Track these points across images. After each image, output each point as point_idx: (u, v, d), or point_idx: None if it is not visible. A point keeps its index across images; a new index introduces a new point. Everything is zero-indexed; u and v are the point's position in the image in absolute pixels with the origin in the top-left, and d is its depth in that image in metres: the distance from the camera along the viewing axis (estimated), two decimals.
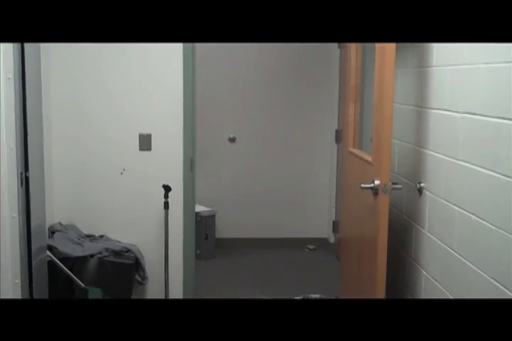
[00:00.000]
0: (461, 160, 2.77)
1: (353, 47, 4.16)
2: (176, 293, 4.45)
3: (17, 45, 3.27)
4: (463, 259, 2.75)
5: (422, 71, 3.33)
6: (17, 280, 3.40)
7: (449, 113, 2.92)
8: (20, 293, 3.42)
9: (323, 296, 4.80)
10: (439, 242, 3.06)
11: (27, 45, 3.34)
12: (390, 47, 3.04)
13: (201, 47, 4.93)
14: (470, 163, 2.68)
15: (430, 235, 3.18)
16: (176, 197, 4.39)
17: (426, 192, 3.25)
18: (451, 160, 2.89)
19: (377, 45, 3.21)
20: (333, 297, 4.72)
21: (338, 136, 6.03)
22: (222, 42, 1.97)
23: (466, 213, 2.71)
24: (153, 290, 4.46)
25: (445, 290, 2.96)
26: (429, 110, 3.20)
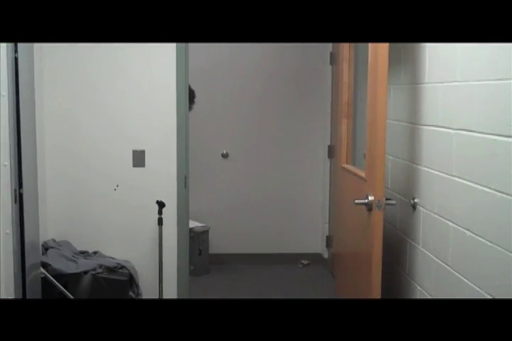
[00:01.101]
0: (455, 176, 2.79)
1: (345, 64, 4.19)
2: None
3: (11, 60, 3.28)
4: (458, 275, 2.76)
5: (414, 87, 3.36)
6: (11, 297, 3.38)
7: (442, 129, 2.94)
8: None
9: None
10: (433, 258, 3.06)
11: (21, 60, 3.35)
12: (383, 59, 3.06)
13: (194, 63, 4.95)
14: (464, 179, 2.69)
15: (425, 251, 3.19)
16: (170, 213, 4.38)
17: (420, 208, 3.27)
18: (445, 176, 2.91)
19: (370, 58, 3.23)
20: None
21: (331, 152, 6.05)
22: (214, 42, 1.95)
23: (461, 229, 2.72)
24: None
25: None
26: (422, 126, 3.22)
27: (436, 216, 3.02)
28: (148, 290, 4.40)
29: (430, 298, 3.10)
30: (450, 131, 2.84)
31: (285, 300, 1.97)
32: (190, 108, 5.12)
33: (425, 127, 3.19)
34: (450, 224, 2.84)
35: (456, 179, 2.77)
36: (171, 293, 4.43)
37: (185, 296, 4.52)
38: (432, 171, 3.08)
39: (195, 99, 5.44)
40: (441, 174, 2.96)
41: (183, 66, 4.35)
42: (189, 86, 5.08)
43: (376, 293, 3.24)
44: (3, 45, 3.21)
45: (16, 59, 3.32)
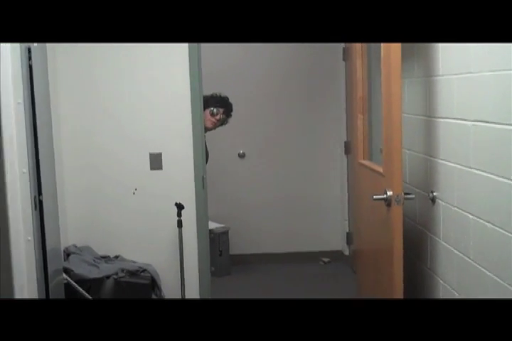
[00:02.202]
0: (473, 168, 2.77)
1: (358, 59, 4.18)
2: None
3: (26, 68, 3.30)
4: (479, 267, 2.74)
5: (428, 80, 3.34)
6: None
7: (458, 121, 2.92)
8: None
9: None
10: (455, 251, 3.04)
11: (35, 68, 3.37)
12: (396, 56, 3.05)
13: (208, 64, 4.95)
14: (482, 171, 2.67)
15: (446, 244, 3.17)
16: (189, 215, 4.39)
17: (439, 202, 3.25)
18: (463, 168, 2.89)
19: (383, 55, 3.22)
20: None
21: (348, 148, 6.03)
22: (225, 42, 1.95)
23: (481, 221, 2.70)
24: None
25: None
26: (438, 119, 3.21)
27: (456, 209, 3.00)
28: (170, 293, 4.40)
29: (453, 292, 3.09)
30: (466, 122, 2.82)
31: (307, 300, 1.96)
32: (226, 121, 5.19)
33: (441, 120, 3.17)
34: (470, 216, 2.82)
35: (475, 171, 2.75)
36: (193, 294, 4.44)
37: (207, 297, 4.53)
38: (450, 164, 3.06)
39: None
40: (459, 166, 2.94)
41: (196, 67, 4.35)
42: (227, 98, 5.14)
43: (398, 289, 3.23)
44: (18, 53, 3.23)
45: (31, 66, 3.34)
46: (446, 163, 3.11)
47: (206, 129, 4.82)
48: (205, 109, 4.66)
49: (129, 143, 4.40)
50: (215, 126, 5.12)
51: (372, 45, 4.15)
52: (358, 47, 4.16)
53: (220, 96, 5.13)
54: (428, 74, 3.34)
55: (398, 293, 3.24)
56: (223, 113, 5.11)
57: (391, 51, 3.05)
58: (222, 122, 5.15)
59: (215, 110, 5.04)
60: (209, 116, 5.01)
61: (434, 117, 3.26)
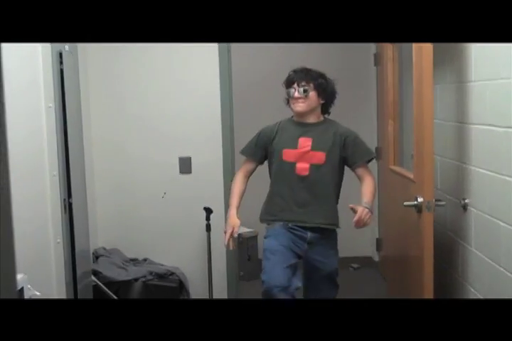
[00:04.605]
0: (505, 175, 2.72)
1: (389, 64, 4.15)
2: None
3: (57, 72, 3.33)
4: (510, 275, 2.69)
5: (461, 86, 3.30)
6: None
7: (491, 127, 2.88)
8: None
9: None
10: (486, 259, 3.00)
11: (66, 73, 3.39)
12: (428, 58, 3.02)
13: (237, 68, 4.94)
14: None
15: (477, 252, 3.13)
16: (218, 219, 4.38)
17: (471, 209, 3.20)
18: (495, 175, 2.85)
19: (415, 57, 3.19)
20: None
21: (378, 154, 5.98)
22: (254, 42, 1.93)
23: None
24: None
25: None
26: (471, 125, 3.16)
27: (488, 216, 2.95)
28: (198, 296, 4.41)
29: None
30: (498, 129, 2.78)
31: (334, 300, 1.94)
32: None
33: (473, 126, 3.13)
34: (501, 223, 2.78)
35: (507, 178, 2.70)
36: (221, 298, 4.43)
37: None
38: (482, 170, 3.02)
39: None
40: (491, 173, 2.90)
41: (226, 70, 4.36)
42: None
43: (428, 297, 3.19)
44: (49, 57, 3.26)
45: (62, 71, 3.37)
46: (479, 169, 3.07)
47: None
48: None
49: (159, 146, 4.41)
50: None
51: (404, 50, 4.11)
52: (389, 52, 4.13)
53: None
54: (460, 81, 3.30)
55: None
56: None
57: (423, 53, 3.02)
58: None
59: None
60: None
61: (466, 123, 3.22)
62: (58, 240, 3.39)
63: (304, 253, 3.47)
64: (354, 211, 3.31)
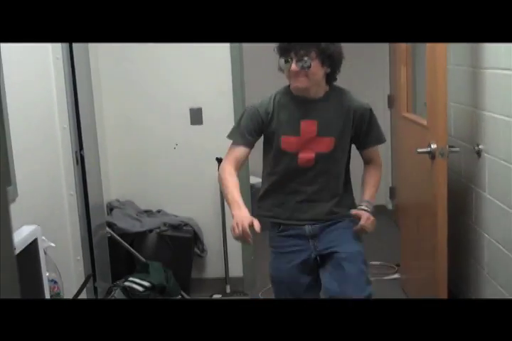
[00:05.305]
0: None
1: None
2: (235, 263, 4.47)
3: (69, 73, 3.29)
4: None
5: None
6: (79, 257, 3.47)
7: (505, 71, 2.82)
8: (82, 269, 3.48)
9: (384, 263, 4.77)
10: (500, 204, 2.98)
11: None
12: None
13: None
14: None
15: (491, 197, 3.11)
16: None
17: (485, 155, 3.17)
18: (510, 120, 2.80)
19: None
20: (394, 264, 4.68)
21: (391, 101, 5.93)
22: (266, 41, 1.89)
23: None
24: (212, 262, 4.49)
25: (510, 254, 2.90)
26: (484, 70, 3.10)
27: (503, 161, 2.92)
28: (212, 246, 4.44)
29: (498, 246, 3.03)
30: None
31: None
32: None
33: (487, 70, 3.07)
34: None
35: None
36: (235, 248, 4.45)
37: (249, 250, 4.54)
38: (497, 116, 2.97)
39: None
40: (506, 118, 2.85)
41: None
42: None
43: (442, 243, 3.20)
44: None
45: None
46: (493, 114, 3.02)
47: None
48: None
49: (169, 98, 4.37)
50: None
51: None
52: None
53: None
54: None
55: (442, 247, 3.20)
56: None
57: None
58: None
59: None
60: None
61: (480, 68, 3.16)
62: (71, 192, 3.40)
63: (315, 252, 2.85)
64: (357, 218, 2.83)
